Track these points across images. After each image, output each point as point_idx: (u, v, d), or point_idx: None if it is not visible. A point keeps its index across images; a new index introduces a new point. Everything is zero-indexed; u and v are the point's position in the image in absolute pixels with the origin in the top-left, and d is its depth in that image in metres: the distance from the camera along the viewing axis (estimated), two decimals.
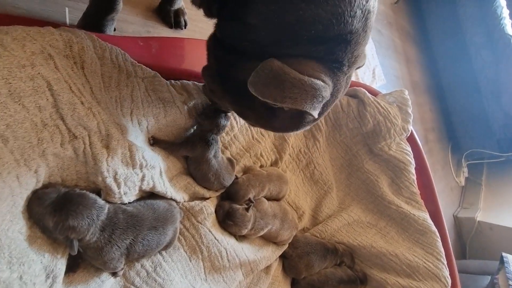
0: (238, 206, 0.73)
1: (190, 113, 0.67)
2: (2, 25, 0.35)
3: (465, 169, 2.57)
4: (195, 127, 0.69)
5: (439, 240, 0.99)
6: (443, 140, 2.56)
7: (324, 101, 0.38)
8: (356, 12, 0.35)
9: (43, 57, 0.34)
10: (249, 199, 0.76)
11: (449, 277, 0.94)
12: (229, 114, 0.67)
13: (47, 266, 0.42)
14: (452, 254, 1.02)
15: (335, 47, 0.37)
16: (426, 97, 2.51)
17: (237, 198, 0.74)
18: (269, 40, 0.37)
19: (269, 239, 0.84)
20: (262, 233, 0.77)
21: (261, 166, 0.90)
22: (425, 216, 1.02)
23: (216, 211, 0.72)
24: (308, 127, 0.46)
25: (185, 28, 0.96)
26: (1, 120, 0.32)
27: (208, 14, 0.45)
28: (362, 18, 0.36)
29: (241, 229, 0.72)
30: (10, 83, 0.31)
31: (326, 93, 0.37)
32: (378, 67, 1.97)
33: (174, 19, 0.93)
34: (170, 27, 0.93)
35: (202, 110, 0.67)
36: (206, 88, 0.59)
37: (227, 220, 0.71)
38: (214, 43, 0.45)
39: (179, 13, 0.93)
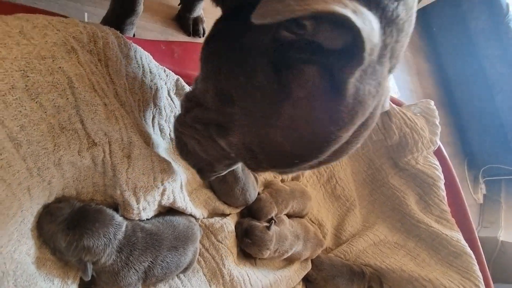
0: (257, 224, 0.67)
1: None
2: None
3: (483, 186, 2.46)
4: None
5: (476, 263, 0.90)
6: (458, 156, 2.47)
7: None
8: None
9: (66, 49, 0.29)
10: (271, 218, 0.70)
11: None
12: None
13: None
14: (490, 279, 0.94)
15: None
16: (439, 111, 2.42)
17: (261, 216, 0.68)
18: None
19: (291, 259, 0.77)
20: (286, 255, 0.70)
21: (282, 181, 0.84)
22: (459, 236, 0.94)
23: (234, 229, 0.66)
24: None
25: (203, 36, 0.93)
26: (14, 120, 0.27)
27: None
28: None
29: (261, 249, 0.65)
30: (28, 76, 0.26)
31: None
32: (392, 79, 1.93)
33: (192, 27, 0.90)
34: (189, 35, 0.91)
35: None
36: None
37: (245, 239, 0.65)
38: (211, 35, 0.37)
39: (198, 21, 0.91)
